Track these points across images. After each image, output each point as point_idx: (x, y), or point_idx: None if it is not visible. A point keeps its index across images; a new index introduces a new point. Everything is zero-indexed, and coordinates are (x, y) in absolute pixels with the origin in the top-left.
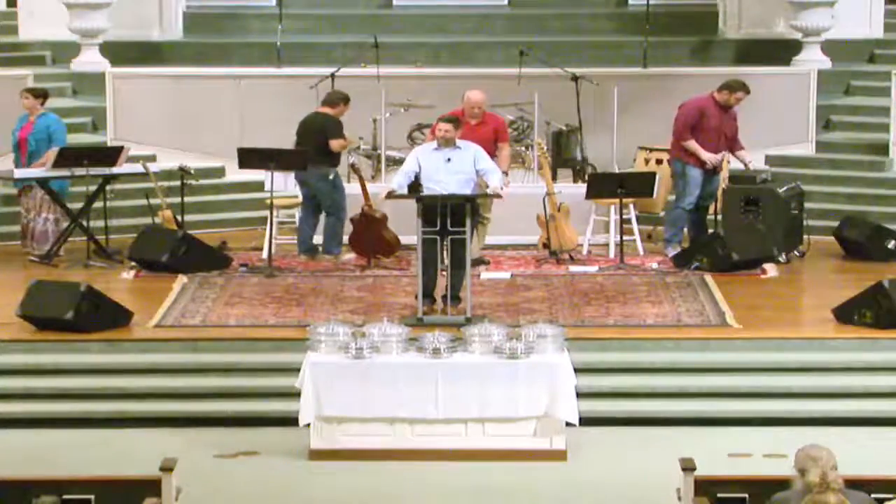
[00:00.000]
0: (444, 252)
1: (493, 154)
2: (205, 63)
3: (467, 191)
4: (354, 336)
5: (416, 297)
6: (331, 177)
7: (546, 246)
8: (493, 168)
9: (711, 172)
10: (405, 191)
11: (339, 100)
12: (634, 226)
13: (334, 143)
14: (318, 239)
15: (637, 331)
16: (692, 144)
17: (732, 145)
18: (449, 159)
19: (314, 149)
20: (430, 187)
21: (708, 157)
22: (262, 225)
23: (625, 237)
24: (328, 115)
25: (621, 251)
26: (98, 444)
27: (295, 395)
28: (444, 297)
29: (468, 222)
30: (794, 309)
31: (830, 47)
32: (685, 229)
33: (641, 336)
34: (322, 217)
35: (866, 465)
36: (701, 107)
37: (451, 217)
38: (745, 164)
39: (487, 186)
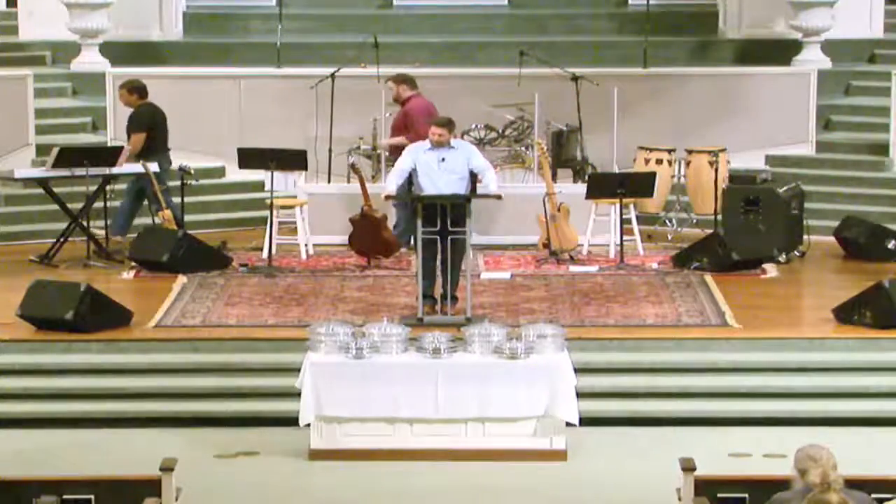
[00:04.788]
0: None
1: None
2: (205, 63)
3: (461, 190)
4: (354, 336)
5: (417, 298)
6: None
7: (546, 246)
8: (487, 166)
9: None
10: (402, 189)
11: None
12: (634, 226)
13: None
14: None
15: (637, 331)
16: None
17: None
18: (443, 159)
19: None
20: (425, 186)
21: None
22: (262, 225)
23: (625, 237)
24: None
25: (621, 251)
26: (98, 444)
27: (295, 395)
28: (441, 297)
29: (468, 222)
30: (794, 309)
31: (830, 47)
32: None
33: (641, 336)
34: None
35: (866, 465)
36: None
37: (450, 217)
38: None
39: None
